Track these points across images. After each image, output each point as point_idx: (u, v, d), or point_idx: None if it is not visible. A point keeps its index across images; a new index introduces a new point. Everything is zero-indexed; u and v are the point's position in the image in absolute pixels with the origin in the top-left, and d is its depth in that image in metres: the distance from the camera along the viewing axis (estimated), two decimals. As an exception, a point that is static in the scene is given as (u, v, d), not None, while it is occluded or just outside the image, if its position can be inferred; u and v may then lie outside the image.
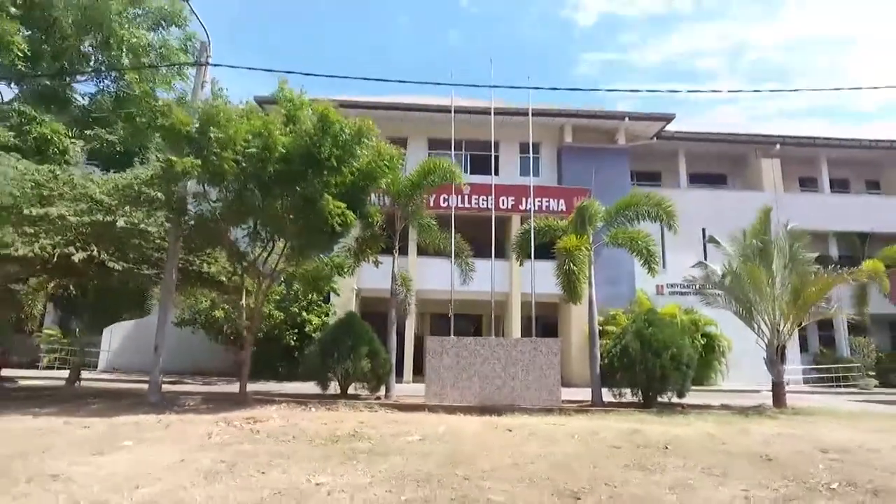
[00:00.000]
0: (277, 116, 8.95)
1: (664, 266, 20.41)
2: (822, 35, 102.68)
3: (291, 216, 8.93)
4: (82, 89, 12.92)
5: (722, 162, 23.25)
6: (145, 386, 9.25)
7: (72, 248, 7.37)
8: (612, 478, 4.17)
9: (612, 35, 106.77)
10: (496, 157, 20.23)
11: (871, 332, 20.89)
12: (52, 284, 10.13)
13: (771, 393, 9.84)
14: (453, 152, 19.42)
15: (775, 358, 9.52)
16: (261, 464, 4.45)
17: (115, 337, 18.34)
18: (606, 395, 9.74)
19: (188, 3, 9.74)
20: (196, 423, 6.84)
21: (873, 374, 18.70)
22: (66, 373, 16.81)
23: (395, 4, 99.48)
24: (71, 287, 10.22)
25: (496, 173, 19.84)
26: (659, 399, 9.40)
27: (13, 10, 9.30)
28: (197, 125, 8.32)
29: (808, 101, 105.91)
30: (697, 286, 11.06)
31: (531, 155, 17.00)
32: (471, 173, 20.02)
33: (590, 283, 10.22)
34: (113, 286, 9.55)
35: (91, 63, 12.05)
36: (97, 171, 10.85)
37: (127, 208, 7.71)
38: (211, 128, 7.90)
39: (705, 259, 17.30)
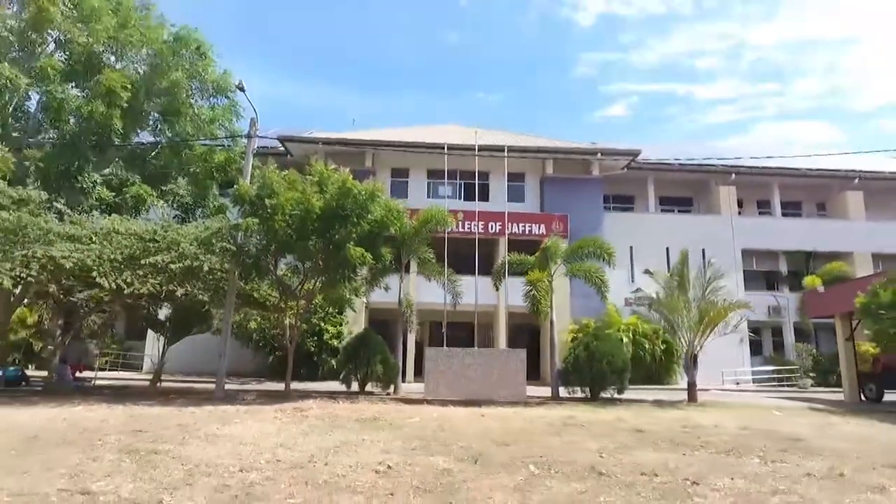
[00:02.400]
0: (311, 184, 11.80)
1: (633, 280, 23.39)
2: (822, 35, 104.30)
3: (323, 257, 11.89)
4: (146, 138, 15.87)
5: (688, 187, 26.22)
6: (203, 385, 12.18)
7: (174, 286, 10.35)
8: (534, 438, 7.09)
9: (612, 35, 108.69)
10: (487, 186, 23.24)
11: (819, 338, 23.87)
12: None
13: (720, 391, 12.76)
14: (438, 181, 22.56)
15: (689, 364, 12.48)
16: (323, 432, 7.35)
17: (156, 344, 21.31)
18: (564, 392, 12.71)
19: (244, 92, 12.63)
20: (261, 411, 9.72)
21: (813, 375, 21.61)
22: (120, 373, 19.81)
23: (395, 4, 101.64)
24: (152, 308, 13.27)
25: (487, 200, 22.88)
26: (602, 395, 12.36)
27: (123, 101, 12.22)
28: (255, 192, 11.28)
29: (808, 101, 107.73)
30: (634, 307, 13.97)
31: (505, 183, 19.97)
32: (464, 200, 23.03)
33: (550, 306, 13.15)
34: (186, 307, 12.57)
35: (150, 122, 15.05)
36: (170, 211, 13.93)
37: (208, 256, 10.64)
38: (266, 199, 10.82)
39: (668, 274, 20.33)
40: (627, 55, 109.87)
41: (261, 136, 13.31)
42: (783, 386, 21.21)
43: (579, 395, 12.54)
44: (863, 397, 14.56)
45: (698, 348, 12.58)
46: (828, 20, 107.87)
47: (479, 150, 21.30)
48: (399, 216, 12.36)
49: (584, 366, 11.98)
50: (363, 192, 11.53)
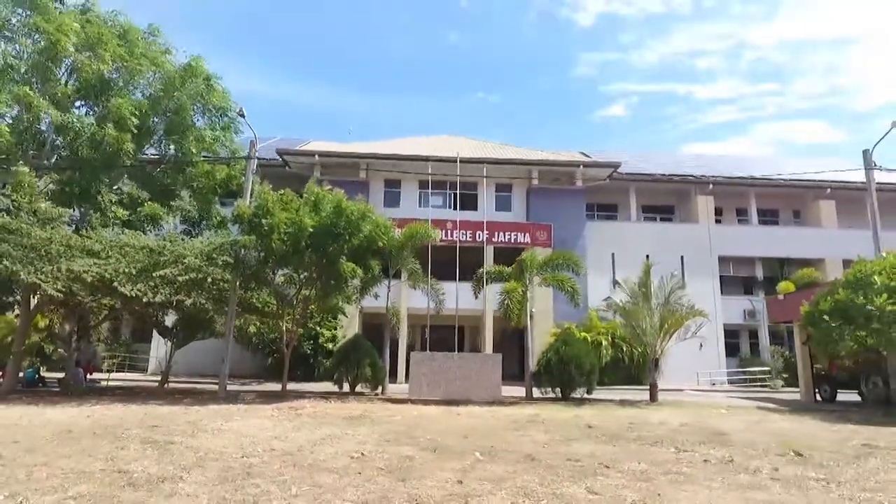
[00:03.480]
0: (306, 204, 12.94)
1: (614, 286, 24.58)
2: (821, 35, 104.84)
3: (317, 270, 13.05)
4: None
5: (670, 195, 27.35)
6: (207, 386, 13.31)
7: (182, 296, 11.53)
8: (494, 433, 8.23)
9: (612, 35, 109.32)
10: (475, 196, 24.40)
11: (792, 341, 24.95)
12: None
13: (694, 391, 13.87)
14: (428, 191, 23.73)
15: (651, 367, 13.63)
16: (313, 427, 8.49)
17: (161, 347, 22.48)
18: (538, 393, 13.86)
19: (244, 118, 13.79)
20: (260, 410, 10.86)
21: (785, 376, 22.73)
22: (127, 374, 20.95)
23: (395, 4, 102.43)
24: (159, 315, 14.48)
25: (475, 210, 24.04)
26: (573, 395, 13.51)
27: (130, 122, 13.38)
28: (251, 212, 12.44)
29: (808, 101, 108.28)
30: (601, 314, 15.12)
31: (493, 194, 21.12)
32: (454, 209, 24.18)
33: (525, 313, 14.28)
34: (192, 314, 13.74)
35: (156, 139, 16.19)
36: (177, 225, 15.11)
37: (211, 269, 11.80)
38: (262, 220, 11.97)
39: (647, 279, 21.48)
40: (627, 55, 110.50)
41: (260, 158, 14.45)
42: (756, 386, 22.34)
43: (551, 395, 13.69)
44: (818, 397, 15.69)
45: (659, 353, 13.72)
46: (828, 20, 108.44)
47: (466, 162, 22.53)
48: (387, 231, 13.52)
49: (554, 368, 13.13)
50: (355, 213, 12.68)
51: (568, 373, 13.03)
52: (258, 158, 15.99)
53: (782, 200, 27.35)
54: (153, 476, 4.90)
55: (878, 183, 25.87)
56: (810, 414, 11.80)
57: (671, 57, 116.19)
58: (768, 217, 27.70)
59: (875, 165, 13.87)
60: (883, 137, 13.66)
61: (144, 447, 6.33)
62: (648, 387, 13.65)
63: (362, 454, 6.24)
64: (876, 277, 11.31)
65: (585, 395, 13.67)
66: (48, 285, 10.05)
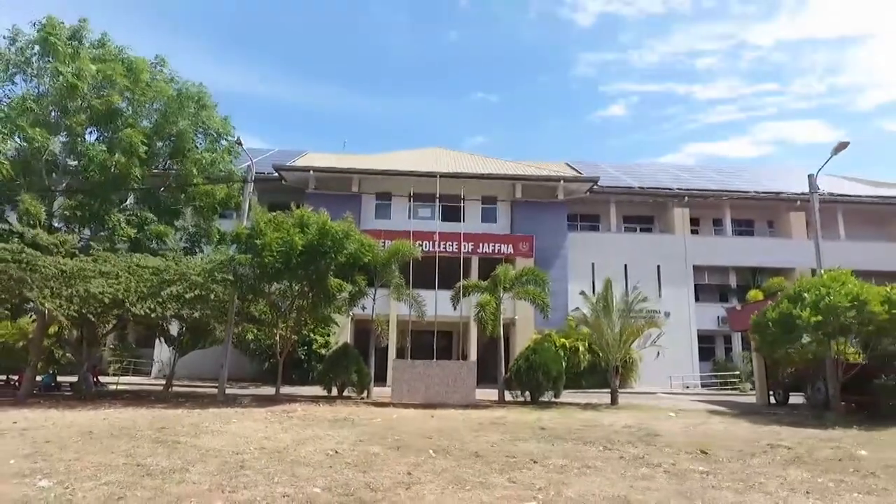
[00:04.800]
0: (295, 223, 14.19)
1: (594, 293, 25.87)
2: (821, 35, 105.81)
3: (307, 285, 14.34)
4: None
5: (649, 207, 28.66)
6: (207, 390, 14.55)
7: (187, 311, 12.86)
8: (457, 433, 9.50)
9: (612, 35, 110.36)
10: (462, 208, 25.68)
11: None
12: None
13: (667, 394, 15.12)
14: (417, 203, 25.01)
15: (611, 373, 14.93)
16: (300, 429, 9.77)
17: (163, 352, 23.77)
18: (510, 397, 15.15)
19: (241, 145, 15.09)
20: (255, 413, 12.14)
21: (754, 379, 24.01)
22: (132, 378, 22.22)
23: (395, 4, 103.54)
24: (164, 325, 15.82)
25: (462, 221, 25.32)
26: (541, 399, 14.80)
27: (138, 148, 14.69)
28: (248, 232, 13.73)
29: (808, 101, 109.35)
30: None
31: (465, 207, 22.42)
32: (442, 221, 25.48)
33: (499, 324, 15.55)
34: (194, 324, 15.05)
35: (159, 161, 17.47)
36: (179, 243, 16.41)
37: (213, 286, 13.11)
38: (256, 240, 13.26)
39: (626, 288, 22.86)
40: (627, 55, 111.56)
41: (258, 172, 15.76)
42: (727, 389, 23.64)
43: (521, 399, 14.97)
44: (772, 400, 16.98)
45: (619, 360, 15.02)
46: (827, 20, 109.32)
47: (450, 177, 23.86)
48: (371, 249, 14.80)
49: (524, 375, 14.44)
50: (339, 232, 13.95)
51: (536, 379, 14.33)
52: (256, 172, 17.30)
53: (757, 211, 28.67)
54: (165, 468, 6.18)
55: (846, 195, 27.30)
56: (751, 417, 13.08)
57: (671, 57, 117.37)
58: (744, 227, 29.02)
59: (818, 190, 15.13)
60: (827, 161, 14.91)
61: (155, 446, 7.62)
62: (610, 391, 14.93)
63: (336, 452, 7.52)
64: (806, 294, 12.59)
65: (553, 399, 14.96)
66: (61, 311, 11.35)
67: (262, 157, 28.86)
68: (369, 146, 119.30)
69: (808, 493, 5.76)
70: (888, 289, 12.34)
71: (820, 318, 12.03)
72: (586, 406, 14.27)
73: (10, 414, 10.71)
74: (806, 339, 12.40)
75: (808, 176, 15.47)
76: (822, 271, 13.80)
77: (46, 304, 11.33)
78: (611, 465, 7.00)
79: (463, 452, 7.67)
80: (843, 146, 14.27)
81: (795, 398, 16.75)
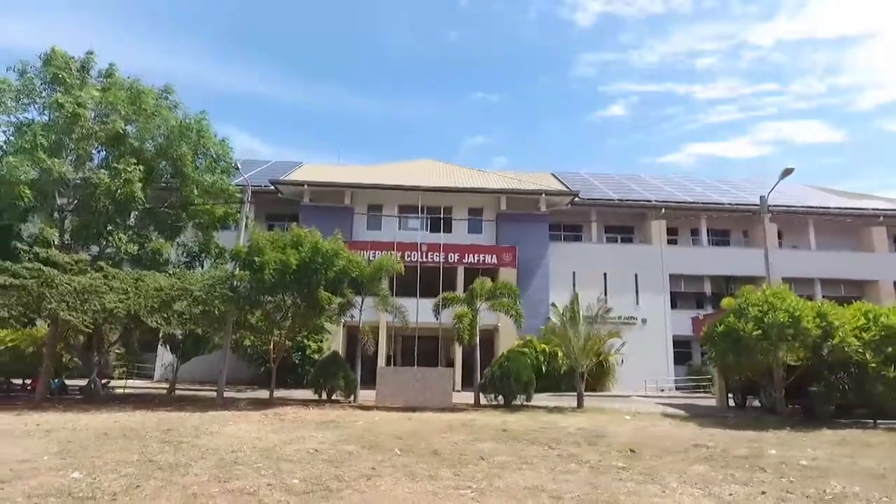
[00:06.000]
0: (290, 242, 15.54)
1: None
2: (821, 35, 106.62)
3: (300, 298, 15.68)
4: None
5: (629, 218, 30.02)
6: (207, 393, 15.88)
7: (192, 326, 14.23)
8: (426, 434, 10.82)
9: (612, 35, 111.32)
10: (450, 220, 27.05)
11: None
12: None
13: (640, 396, 16.43)
14: (407, 215, 26.28)
15: (577, 380, 16.26)
16: (289, 431, 11.08)
17: (166, 356, 25.12)
18: (485, 400, 16.48)
19: (239, 170, 16.42)
20: (251, 415, 13.47)
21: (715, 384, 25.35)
22: (136, 381, 23.55)
23: (395, 4, 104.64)
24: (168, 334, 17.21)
25: (450, 232, 26.68)
26: (513, 402, 16.13)
27: (139, 175, 16.03)
28: (246, 252, 15.07)
29: (808, 101, 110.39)
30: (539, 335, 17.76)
31: (444, 219, 23.75)
32: (431, 232, 26.84)
33: (475, 334, 16.87)
34: (197, 334, 16.43)
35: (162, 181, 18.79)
36: (180, 258, 17.73)
37: (216, 302, 14.48)
38: (255, 258, 14.61)
39: (605, 295, 24.32)
40: (627, 55, 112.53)
41: (256, 186, 17.09)
42: (699, 392, 24.97)
43: (494, 403, 16.30)
44: (731, 403, 18.31)
45: (585, 367, 16.36)
46: (827, 20, 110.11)
47: (436, 191, 25.22)
48: (358, 265, 16.14)
49: (497, 380, 15.78)
50: (329, 251, 15.29)
51: (508, 384, 15.67)
52: (254, 185, 18.65)
53: (732, 222, 30.01)
54: (172, 463, 7.51)
55: (813, 207, 28.61)
56: (701, 419, 14.38)
57: (671, 57, 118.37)
58: (720, 237, 30.37)
59: (768, 210, 16.46)
60: (774, 186, 16.24)
61: (163, 445, 8.94)
62: (577, 395, 16.25)
63: (317, 450, 8.84)
64: (750, 308, 13.92)
65: (525, 403, 16.29)
66: (79, 322, 12.73)
67: (260, 168, 30.25)
68: (369, 146, 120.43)
69: (694, 484, 7.08)
70: (821, 305, 13.66)
71: (761, 331, 13.36)
72: (553, 409, 15.60)
73: (32, 417, 12.04)
74: (748, 350, 13.70)
75: (760, 197, 16.83)
76: (766, 286, 15.12)
77: (67, 317, 12.68)
78: (546, 462, 8.32)
79: (425, 451, 8.99)
80: (788, 172, 15.59)
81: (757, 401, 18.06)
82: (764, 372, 15.08)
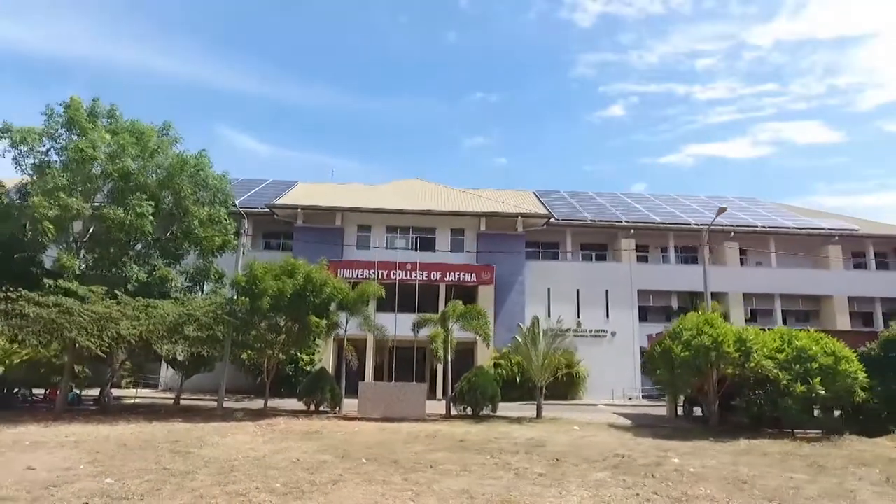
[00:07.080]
0: (284, 271, 17.58)
1: (549, 316, 29.30)
2: (821, 35, 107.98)
3: (292, 321, 17.75)
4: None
5: (603, 236, 32.09)
6: (208, 403, 17.93)
7: (198, 348, 16.32)
8: (393, 445, 12.84)
9: (611, 35, 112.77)
10: (433, 239, 29.10)
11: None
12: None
13: (606, 405, 18.44)
14: (395, 235, 28.21)
15: (537, 393, 18.31)
16: (278, 441, 13.10)
17: (169, 369, 27.18)
18: (456, 411, 18.52)
19: (236, 205, 18.48)
20: (247, 426, 15.47)
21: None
22: (141, 391, 25.58)
23: (394, 4, 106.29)
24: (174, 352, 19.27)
25: (434, 251, 28.71)
26: (481, 413, 18.17)
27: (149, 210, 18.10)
28: (245, 280, 17.13)
29: (807, 101, 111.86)
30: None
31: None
32: (416, 250, 28.89)
33: (449, 353, 18.91)
34: (199, 354, 18.51)
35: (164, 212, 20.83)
36: (183, 283, 19.79)
37: (219, 327, 16.55)
38: (253, 286, 16.66)
39: (578, 309, 26.36)
40: (627, 56, 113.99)
41: (251, 208, 19.14)
42: (662, 401, 26.98)
43: (465, 413, 18.35)
44: (679, 413, 20.36)
45: (542, 382, 18.42)
46: (827, 20, 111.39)
47: (421, 213, 27.30)
48: (343, 291, 18.21)
49: (465, 394, 17.83)
50: (319, 280, 17.35)
51: (475, 397, 17.72)
52: (251, 207, 20.71)
53: (699, 240, 31.99)
54: (182, 471, 9.54)
55: (771, 227, 30.66)
56: (642, 430, 16.40)
57: (671, 57, 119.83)
58: (688, 254, 32.43)
59: (706, 243, 18.52)
60: (712, 221, 18.27)
61: (173, 455, 10.98)
62: (536, 407, 18.31)
63: (298, 459, 10.88)
64: (684, 332, 15.96)
65: (491, 413, 18.34)
66: (96, 347, 14.84)
67: (257, 189, 32.34)
68: (369, 146, 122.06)
69: (589, 488, 9.09)
70: (742, 331, 15.72)
71: (689, 354, 15.41)
72: (514, 420, 17.63)
73: (60, 429, 14.07)
74: (681, 369, 15.74)
75: (702, 232, 18.83)
76: (701, 312, 17.17)
77: (86, 343, 14.74)
78: (483, 469, 10.34)
79: (387, 460, 11.02)
80: (721, 211, 17.64)
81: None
82: (697, 387, 17.12)
